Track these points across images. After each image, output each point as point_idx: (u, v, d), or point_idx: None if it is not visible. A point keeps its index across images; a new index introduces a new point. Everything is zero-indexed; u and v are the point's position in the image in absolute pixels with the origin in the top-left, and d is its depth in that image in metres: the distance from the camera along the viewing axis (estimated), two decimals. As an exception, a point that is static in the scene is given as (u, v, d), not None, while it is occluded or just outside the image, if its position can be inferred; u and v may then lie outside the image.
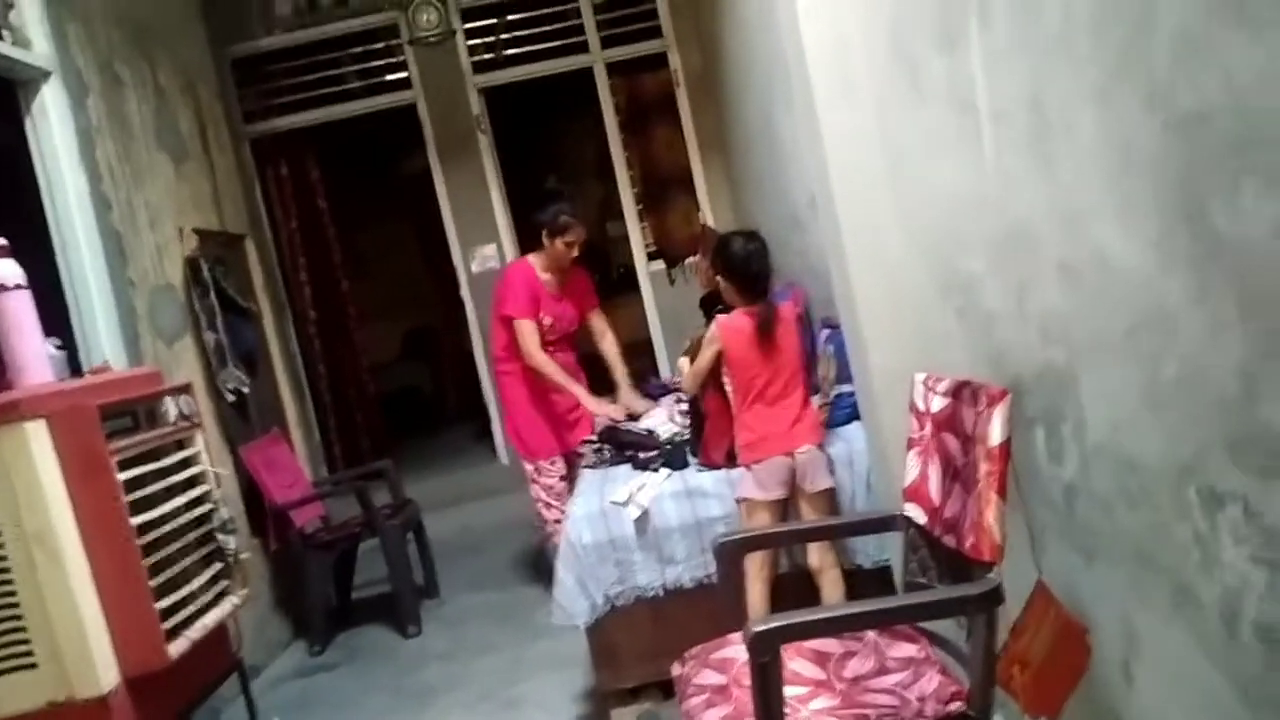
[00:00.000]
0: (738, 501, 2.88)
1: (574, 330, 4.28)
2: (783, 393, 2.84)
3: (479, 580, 4.90)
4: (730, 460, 2.98)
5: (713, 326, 2.90)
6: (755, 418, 2.85)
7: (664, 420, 3.76)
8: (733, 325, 2.86)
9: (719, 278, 2.95)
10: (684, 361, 3.13)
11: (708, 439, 3.10)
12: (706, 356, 2.91)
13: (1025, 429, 1.89)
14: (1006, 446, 1.64)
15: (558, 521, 4.09)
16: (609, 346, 4.34)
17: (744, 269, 2.88)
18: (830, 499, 2.84)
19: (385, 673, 4.00)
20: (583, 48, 6.14)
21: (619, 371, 4.31)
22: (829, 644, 2.02)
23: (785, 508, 2.80)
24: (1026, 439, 1.90)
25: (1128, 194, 1.37)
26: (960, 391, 1.84)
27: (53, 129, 3.53)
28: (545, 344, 4.08)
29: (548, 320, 4.08)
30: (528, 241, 6.27)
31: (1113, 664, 1.76)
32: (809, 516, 2.80)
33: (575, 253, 4.09)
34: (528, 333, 4.00)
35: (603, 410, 3.92)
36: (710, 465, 3.09)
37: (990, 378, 1.91)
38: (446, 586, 4.85)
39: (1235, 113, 1.11)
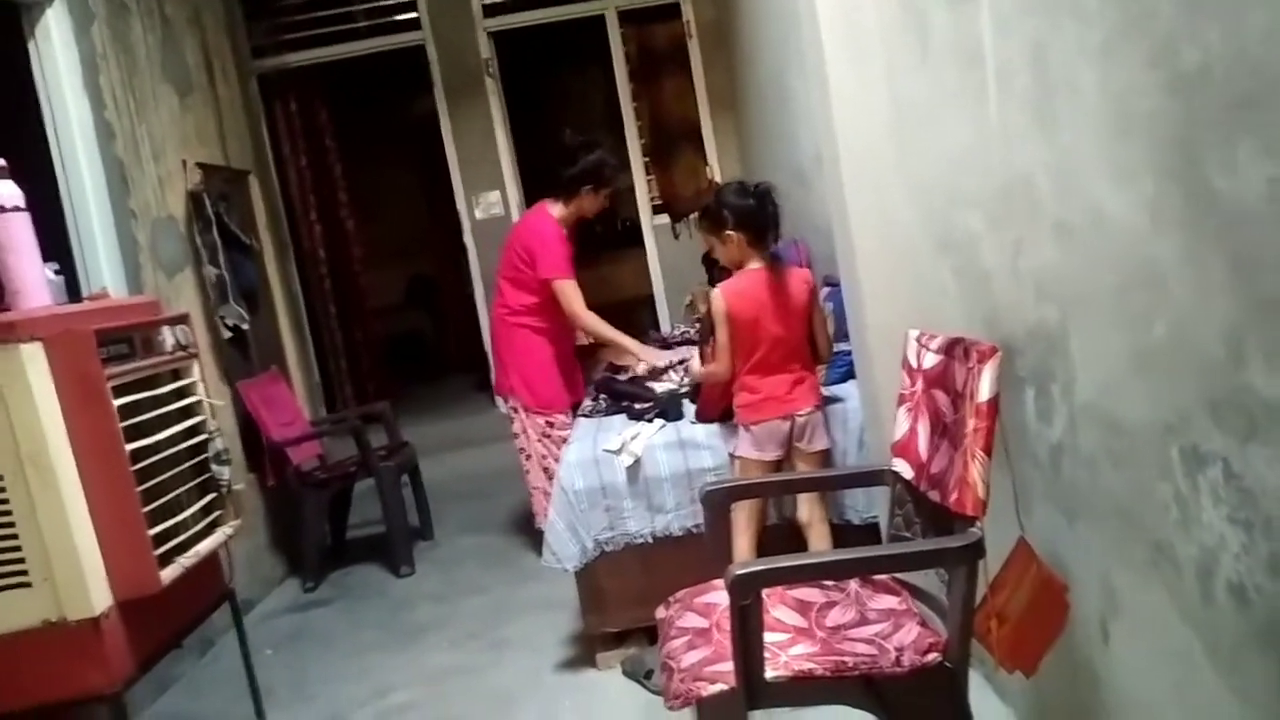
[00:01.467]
0: (731, 457, 2.89)
1: None
2: (788, 355, 2.80)
3: (473, 524, 4.95)
4: (726, 416, 2.98)
5: (716, 298, 2.78)
6: (758, 379, 2.81)
7: (657, 369, 3.78)
8: (737, 289, 2.78)
9: (721, 236, 2.81)
10: (695, 362, 3.09)
11: (705, 397, 3.09)
12: (724, 333, 2.78)
13: (1016, 388, 1.90)
14: (995, 403, 1.65)
15: None
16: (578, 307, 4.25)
17: (755, 216, 2.76)
18: (825, 458, 2.85)
19: (377, 610, 4.05)
20: (596, -6, 6.07)
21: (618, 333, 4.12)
22: (812, 593, 2.04)
23: (780, 466, 2.82)
24: (1016, 398, 1.90)
25: (1125, 152, 1.37)
26: (952, 348, 1.84)
27: (56, 54, 3.51)
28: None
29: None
30: (533, 189, 6.26)
31: (1091, 622, 1.78)
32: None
33: (604, 206, 4.03)
34: (573, 293, 3.86)
35: (655, 359, 3.82)
36: (705, 421, 3.08)
37: (984, 335, 1.91)
38: (440, 529, 4.90)
39: (1237, 70, 1.10)
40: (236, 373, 4.45)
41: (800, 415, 2.79)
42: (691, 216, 6.12)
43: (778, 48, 4.15)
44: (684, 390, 3.42)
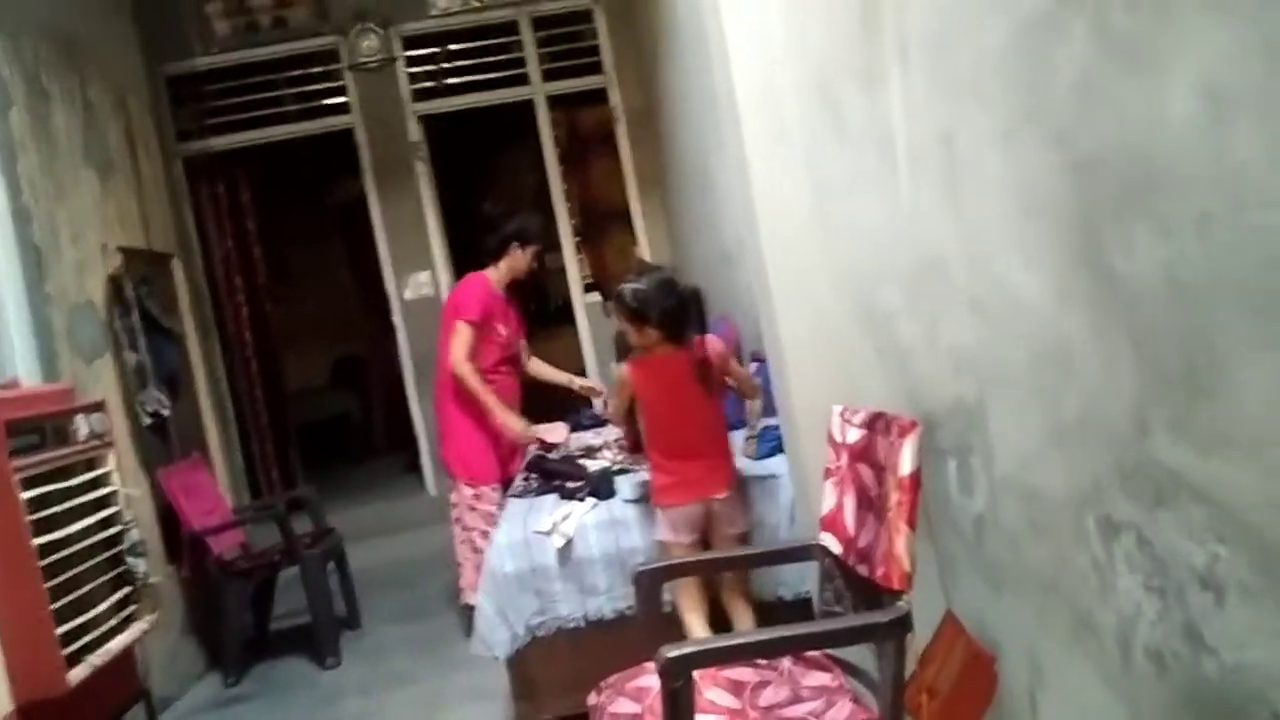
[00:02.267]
0: (656, 541, 2.87)
1: (518, 354, 4.26)
2: (702, 440, 2.78)
3: (402, 612, 4.82)
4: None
5: (619, 372, 2.83)
6: (671, 463, 2.79)
7: (592, 447, 3.77)
8: (644, 369, 2.79)
9: (637, 328, 2.76)
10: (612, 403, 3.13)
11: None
12: (619, 401, 2.89)
13: (938, 460, 1.93)
14: (916, 476, 1.68)
15: None
16: (537, 365, 4.36)
17: (676, 316, 2.73)
18: (744, 539, 2.84)
19: (301, 705, 3.91)
20: (524, 80, 6.18)
21: (558, 375, 4.36)
22: (744, 673, 2.03)
23: (702, 548, 2.79)
24: (939, 470, 1.93)
25: (1031, 233, 1.42)
26: (875, 423, 1.87)
27: (-29, 142, 3.45)
28: (500, 362, 4.09)
29: (503, 331, 4.08)
30: (463, 270, 6.27)
31: (1019, 693, 1.79)
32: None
33: (534, 265, 4.18)
34: (464, 338, 3.94)
35: (518, 430, 3.93)
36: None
37: (906, 410, 1.95)
38: (368, 618, 4.77)
39: (1129, 157, 1.16)
40: (156, 460, 4.32)
41: (715, 500, 2.75)
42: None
43: (701, 132, 4.26)
44: (616, 469, 3.41)
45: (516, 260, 4.11)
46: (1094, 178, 1.23)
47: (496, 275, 4.13)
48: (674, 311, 2.73)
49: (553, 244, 6.81)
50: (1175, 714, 1.28)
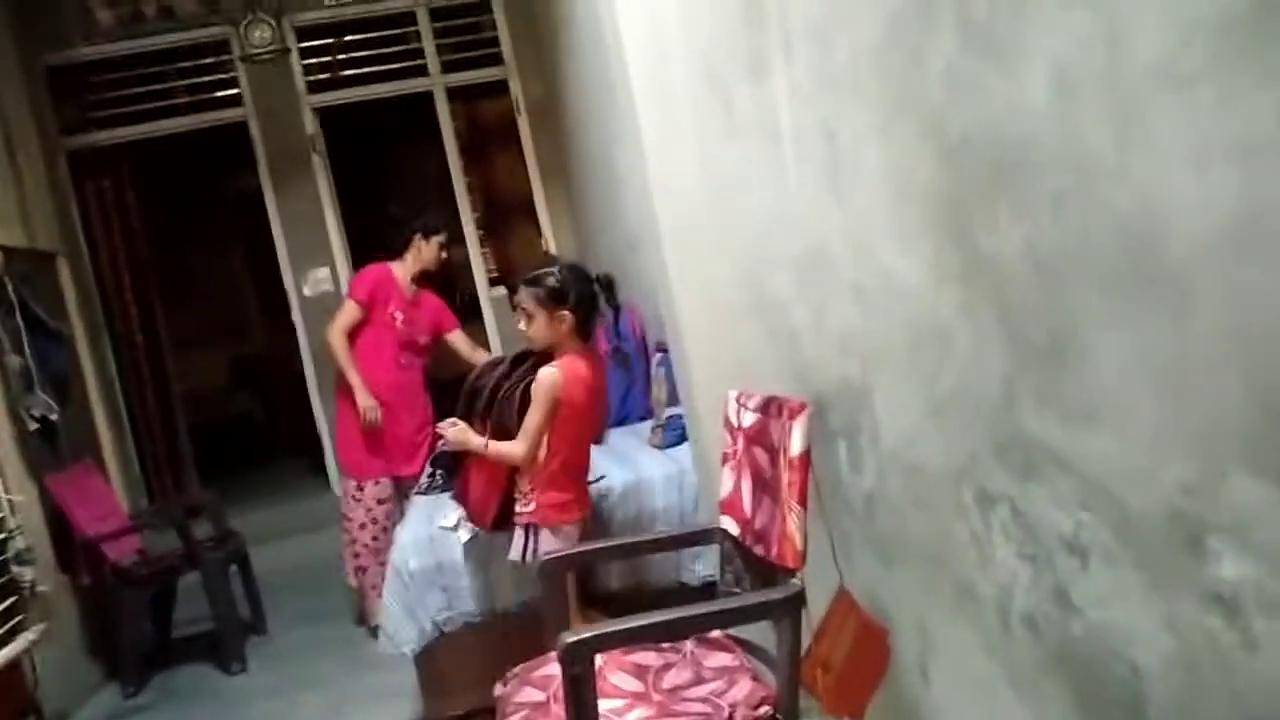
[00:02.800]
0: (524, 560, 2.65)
1: (425, 347, 4.23)
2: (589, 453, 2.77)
3: (308, 614, 4.73)
4: (501, 522, 2.74)
5: (552, 375, 2.54)
6: (570, 480, 2.66)
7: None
8: (576, 375, 2.57)
9: (552, 311, 2.59)
10: (469, 435, 2.67)
11: (480, 498, 2.80)
12: (542, 416, 2.54)
13: (828, 442, 1.98)
14: (806, 457, 1.72)
15: (367, 546, 4.04)
16: (483, 356, 4.31)
17: (593, 304, 2.67)
18: None
19: (206, 713, 3.82)
20: (422, 71, 6.10)
21: (468, 349, 4.34)
22: (648, 657, 2.05)
23: None
24: (830, 451, 1.99)
25: (907, 218, 1.47)
26: (768, 406, 1.92)
27: None
28: (400, 352, 4.11)
29: (400, 316, 4.07)
30: (363, 264, 6.17)
31: (911, 664, 1.85)
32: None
33: (443, 255, 4.19)
34: (345, 312, 4.04)
35: (365, 403, 3.98)
36: (481, 527, 2.82)
37: (797, 393, 1.99)
38: (274, 621, 4.67)
39: (991, 142, 1.21)
40: (45, 466, 4.16)
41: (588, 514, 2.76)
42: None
43: (603, 123, 4.27)
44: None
45: (423, 251, 4.14)
46: (962, 163, 1.28)
47: (403, 268, 4.16)
48: (591, 299, 2.70)
49: (456, 237, 6.76)
50: (1048, 674, 1.35)
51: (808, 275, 1.94)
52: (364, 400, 3.98)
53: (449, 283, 7.88)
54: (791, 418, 1.75)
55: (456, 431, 2.63)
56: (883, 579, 1.91)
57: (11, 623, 2.48)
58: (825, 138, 1.71)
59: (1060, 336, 1.16)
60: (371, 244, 7.49)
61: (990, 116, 1.20)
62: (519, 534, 2.66)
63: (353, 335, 4.07)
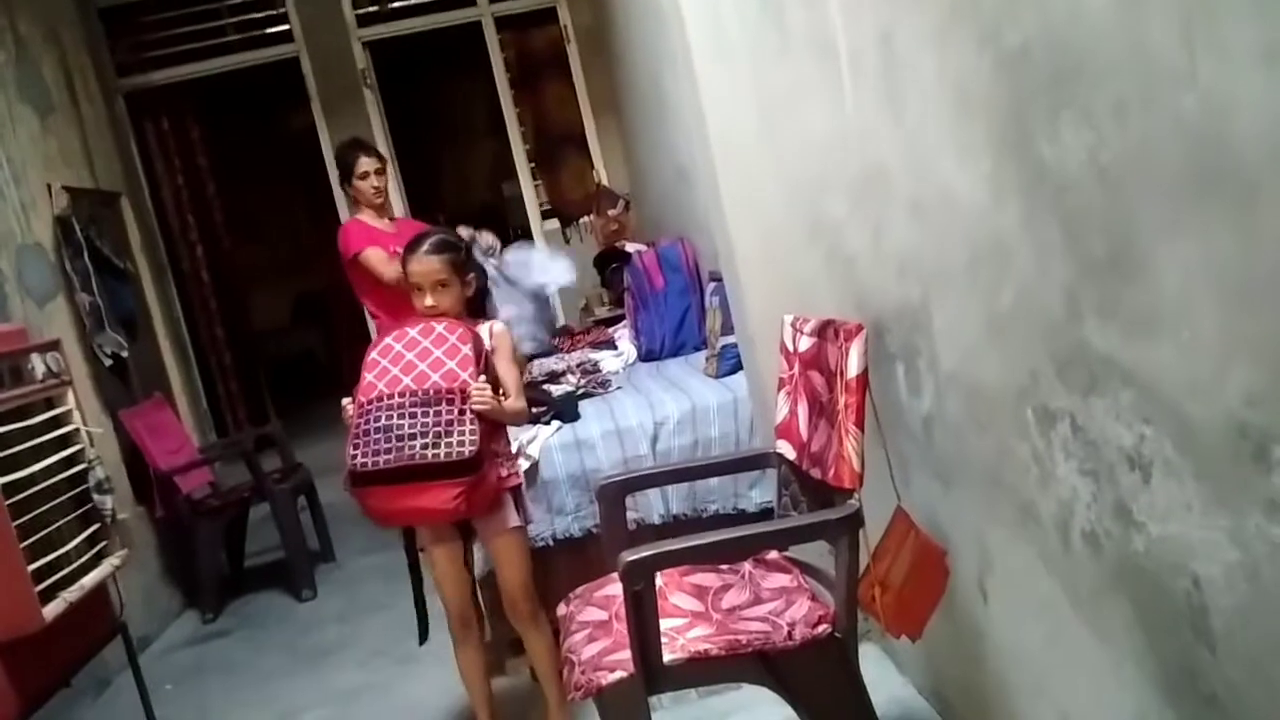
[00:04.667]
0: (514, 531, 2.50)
1: None
2: None
3: (373, 543, 4.84)
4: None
5: (507, 332, 2.49)
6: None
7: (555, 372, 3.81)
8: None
9: (463, 277, 2.43)
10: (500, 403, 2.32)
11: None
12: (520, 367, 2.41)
13: (887, 365, 1.98)
14: (863, 378, 1.72)
15: None
16: None
17: (481, 270, 2.58)
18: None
19: (280, 636, 3.96)
20: (470, 1, 6.05)
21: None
22: (708, 578, 2.09)
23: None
24: (888, 374, 1.98)
25: (965, 131, 1.44)
26: (824, 330, 1.91)
27: (-98, 79, 3.35)
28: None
29: (398, 249, 3.99)
30: (416, 199, 6.20)
31: (970, 583, 1.87)
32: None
33: (378, 181, 3.93)
34: (376, 259, 3.79)
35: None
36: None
37: (855, 316, 1.98)
38: (341, 550, 4.81)
39: (1052, 48, 1.17)
40: (118, 402, 4.30)
41: None
42: (582, 220, 6.17)
43: (652, 50, 4.21)
44: (579, 392, 3.44)
45: (361, 193, 3.95)
46: (1021, 71, 1.25)
47: (364, 214, 4.00)
48: (480, 268, 2.59)
49: (509, 172, 6.75)
50: (1109, 590, 1.35)
51: (864, 195, 1.92)
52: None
53: (501, 216, 7.94)
54: (848, 340, 1.74)
55: (486, 396, 2.23)
56: (941, 500, 1.92)
57: (96, 549, 2.57)
58: (881, 51, 1.68)
59: (1123, 247, 1.13)
60: (424, 177, 7.54)
61: (1051, 22, 1.17)
62: (509, 502, 2.44)
63: (375, 285, 3.93)
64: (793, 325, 2.07)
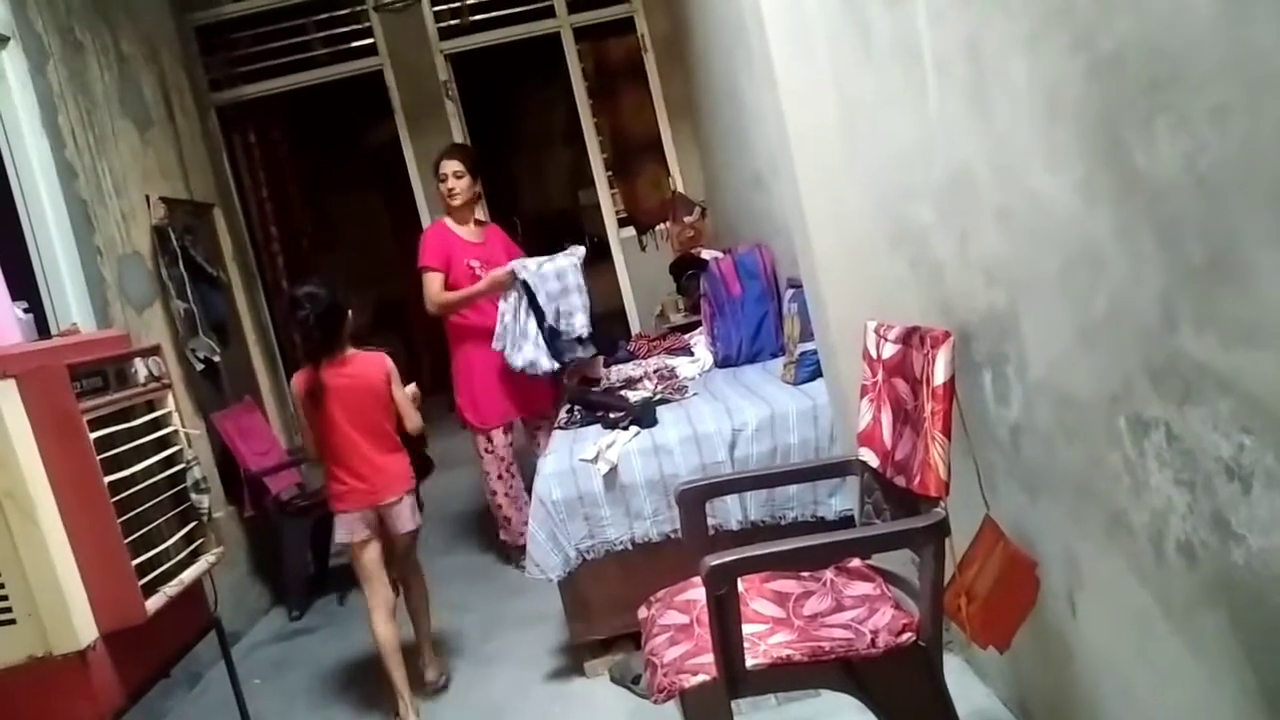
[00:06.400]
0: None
1: None
2: (369, 446, 3.04)
3: (453, 545, 4.96)
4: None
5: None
6: (340, 470, 3.04)
7: (632, 379, 3.84)
8: (299, 378, 3.07)
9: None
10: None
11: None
12: (301, 414, 3.16)
13: (973, 373, 1.96)
14: (950, 385, 1.71)
15: (507, 495, 4.16)
16: None
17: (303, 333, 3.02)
18: (414, 538, 3.24)
19: (363, 634, 4.01)
20: (549, 12, 6.13)
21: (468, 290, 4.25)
22: (789, 585, 2.09)
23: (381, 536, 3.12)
24: (975, 382, 1.97)
25: (1056, 137, 1.43)
26: (909, 337, 1.90)
27: (13, 94, 3.51)
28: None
29: (475, 264, 4.08)
30: (496, 209, 6.28)
31: (1059, 595, 1.84)
32: (398, 552, 3.21)
33: (454, 184, 4.08)
34: (430, 283, 4.04)
35: (498, 277, 3.92)
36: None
37: (940, 323, 1.97)
38: (422, 551, 4.85)
39: (1148, 53, 1.16)
40: (210, 405, 4.45)
41: (385, 504, 3.07)
42: (658, 227, 6.20)
43: (729, 56, 4.22)
44: (657, 398, 3.47)
45: (440, 193, 4.16)
46: (1115, 76, 1.24)
47: (452, 218, 4.19)
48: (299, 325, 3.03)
49: (586, 180, 6.82)
50: (1205, 602, 1.33)
51: (950, 202, 1.91)
52: (499, 275, 3.92)
53: (577, 225, 8.01)
54: (935, 347, 1.74)
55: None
56: (1028, 511, 1.90)
57: (193, 546, 2.67)
58: (969, 57, 1.67)
59: (1223, 254, 1.12)
60: (502, 188, 7.64)
61: (1147, 27, 1.15)
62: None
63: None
64: (876, 332, 2.06)
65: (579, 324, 3.89)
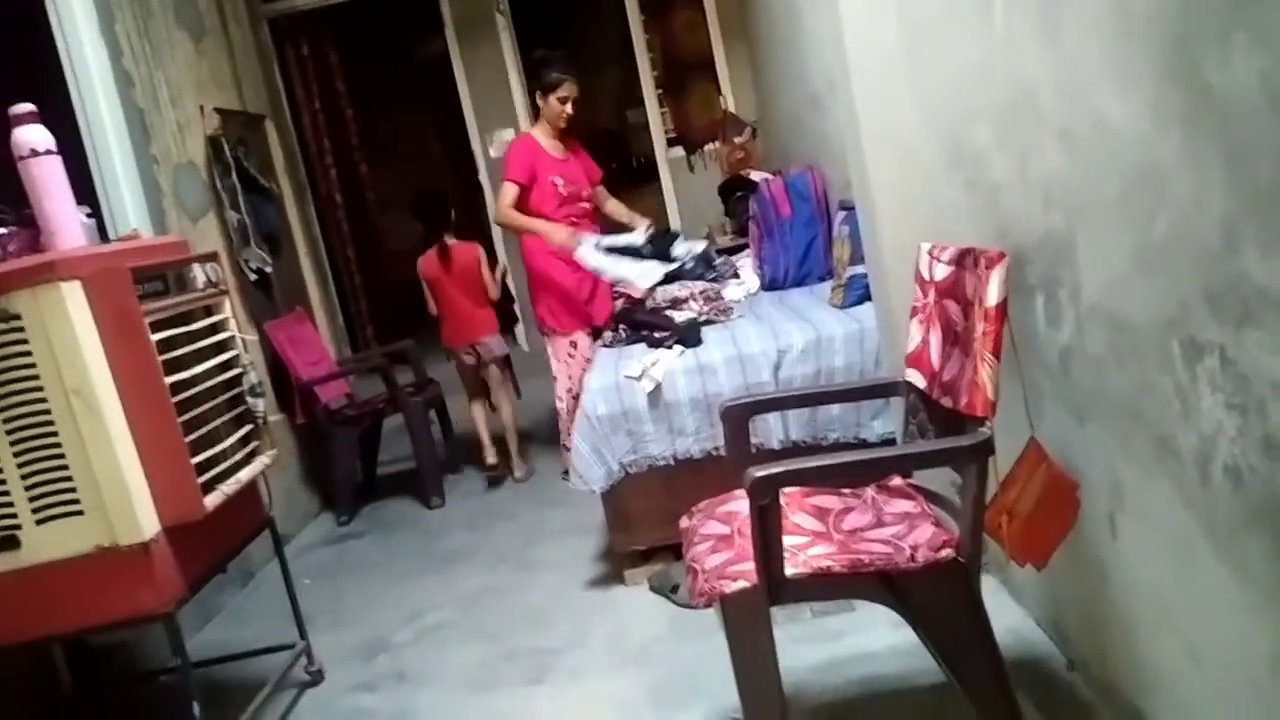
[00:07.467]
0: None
1: (589, 196, 4.27)
2: (460, 304, 4.69)
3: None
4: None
5: None
6: (450, 318, 4.76)
7: (678, 299, 3.85)
8: (423, 261, 4.78)
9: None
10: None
11: None
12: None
13: (1026, 296, 1.96)
14: (1003, 307, 1.70)
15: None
16: (612, 205, 4.40)
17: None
18: (502, 364, 4.76)
19: (410, 540, 4.18)
20: (604, -74, 6.02)
21: (623, 212, 4.35)
22: (830, 500, 2.12)
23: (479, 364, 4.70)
24: (1027, 305, 1.96)
25: (1125, 55, 1.40)
26: (963, 258, 1.89)
27: (72, 2, 3.54)
28: (562, 210, 4.11)
29: (559, 181, 4.09)
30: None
31: (1099, 517, 1.86)
32: (493, 375, 4.72)
33: (569, 109, 4.11)
34: (504, 194, 4.07)
35: (568, 241, 3.92)
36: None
37: (995, 247, 1.95)
38: (467, 463, 5.01)
39: (1230, -35, 1.13)
40: (262, 314, 4.54)
41: (479, 340, 4.70)
42: (707, 147, 6.14)
43: (788, -27, 4.14)
44: (702, 319, 3.49)
45: (548, 110, 4.12)
46: (1193, -9, 1.21)
47: (542, 130, 4.19)
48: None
49: (635, 99, 6.75)
50: (1251, 525, 1.33)
51: (1011, 123, 1.88)
52: (561, 237, 3.96)
53: (624, 144, 7.95)
54: (989, 268, 1.73)
55: None
56: (1074, 434, 1.90)
57: (249, 448, 2.76)
58: (1039, -28, 1.63)
59: (1293, 175, 1.10)
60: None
61: (1232, -62, 1.12)
62: None
63: (522, 209, 4.11)
64: (929, 253, 2.05)
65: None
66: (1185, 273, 1.37)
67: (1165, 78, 1.32)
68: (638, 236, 3.97)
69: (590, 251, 3.85)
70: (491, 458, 4.63)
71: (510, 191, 4.07)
